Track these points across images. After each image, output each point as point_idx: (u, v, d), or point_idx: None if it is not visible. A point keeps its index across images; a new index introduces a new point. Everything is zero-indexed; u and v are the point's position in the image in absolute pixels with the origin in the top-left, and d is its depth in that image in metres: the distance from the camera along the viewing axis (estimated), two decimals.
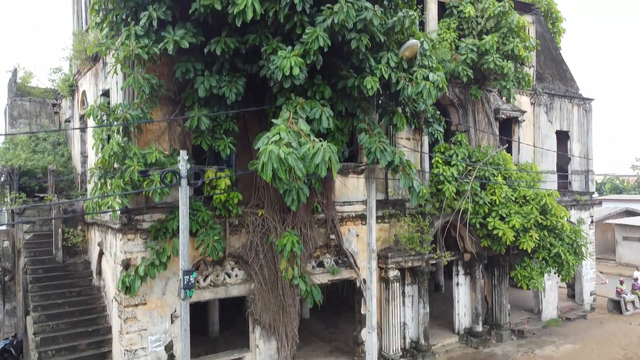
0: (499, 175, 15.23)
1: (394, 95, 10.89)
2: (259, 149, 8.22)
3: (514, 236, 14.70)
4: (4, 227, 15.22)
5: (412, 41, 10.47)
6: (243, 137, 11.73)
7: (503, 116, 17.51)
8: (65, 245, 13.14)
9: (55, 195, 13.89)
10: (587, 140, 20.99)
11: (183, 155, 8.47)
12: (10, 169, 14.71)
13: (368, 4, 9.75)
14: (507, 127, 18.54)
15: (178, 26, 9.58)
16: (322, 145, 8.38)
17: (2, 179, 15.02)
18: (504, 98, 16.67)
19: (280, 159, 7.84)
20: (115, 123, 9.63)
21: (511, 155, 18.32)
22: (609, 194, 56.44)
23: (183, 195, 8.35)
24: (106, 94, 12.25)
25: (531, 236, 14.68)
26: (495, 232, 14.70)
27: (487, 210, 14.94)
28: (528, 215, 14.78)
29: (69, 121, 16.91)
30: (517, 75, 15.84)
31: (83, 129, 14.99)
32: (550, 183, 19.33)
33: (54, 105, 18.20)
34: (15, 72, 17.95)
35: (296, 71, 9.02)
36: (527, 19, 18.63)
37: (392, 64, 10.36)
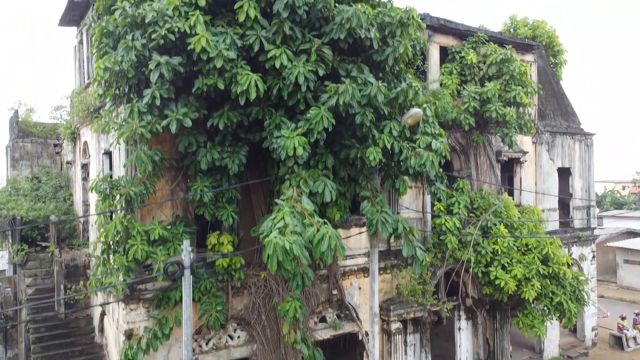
0: (501, 225, 15.22)
1: (397, 162, 10.89)
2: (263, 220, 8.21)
3: (516, 285, 14.70)
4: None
5: (415, 110, 10.46)
6: (245, 198, 11.71)
7: (505, 158, 17.51)
8: (67, 301, 13.14)
9: (57, 248, 13.87)
10: (588, 175, 20.99)
11: (186, 245, 8.45)
12: (12, 219, 14.70)
13: (372, 79, 9.76)
14: (509, 166, 18.56)
15: (181, 102, 9.58)
16: (327, 231, 8.37)
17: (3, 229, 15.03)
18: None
19: (285, 250, 7.84)
20: (119, 197, 9.65)
21: (513, 196, 18.36)
22: (609, 207, 56.46)
23: (186, 285, 8.34)
24: (107, 153, 12.26)
25: (533, 285, 14.66)
26: (497, 282, 14.69)
27: (489, 260, 14.94)
28: (530, 265, 14.77)
29: (70, 163, 16.91)
30: (519, 122, 15.85)
31: (85, 178, 15.00)
32: (552, 221, 19.37)
33: (55, 145, 18.20)
34: (16, 113, 17.94)
35: (300, 152, 9.03)
36: (529, 58, 18.65)
37: (395, 133, 10.36)
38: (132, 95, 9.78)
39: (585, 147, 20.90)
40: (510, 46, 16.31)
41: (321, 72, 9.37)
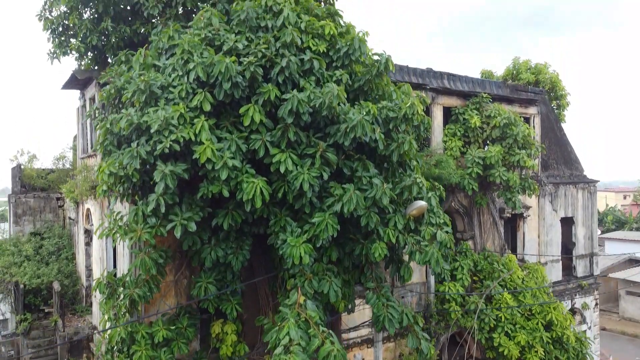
0: (505, 291, 15.19)
1: (402, 254, 10.87)
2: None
3: (519, 352, 14.67)
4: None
5: (420, 203, 10.44)
6: (250, 285, 11.67)
7: (508, 215, 17.48)
8: None
9: (60, 317, 13.84)
10: (591, 222, 20.96)
11: None
12: (15, 285, 14.69)
13: (377, 180, 9.73)
14: (512, 221, 18.52)
15: (185, 203, 9.53)
16: (332, 349, 8.34)
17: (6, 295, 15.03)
18: None
19: None
20: (122, 297, 9.63)
21: (517, 249, 18.36)
22: (611, 225, 56.36)
23: None
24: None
25: (536, 351, 14.64)
26: (500, 349, 14.66)
27: (492, 326, 14.90)
28: (534, 332, 14.74)
29: (72, 219, 16.89)
30: (523, 184, 15.82)
31: (88, 243, 14.98)
32: (555, 271, 19.38)
33: (58, 199, 18.18)
34: (19, 167, 17.93)
35: (306, 260, 9.00)
36: (532, 111, 18.63)
37: (400, 227, 10.33)
38: (136, 197, 9.75)
39: (588, 195, 20.86)
40: (514, 105, 16.31)
41: (326, 176, 9.35)
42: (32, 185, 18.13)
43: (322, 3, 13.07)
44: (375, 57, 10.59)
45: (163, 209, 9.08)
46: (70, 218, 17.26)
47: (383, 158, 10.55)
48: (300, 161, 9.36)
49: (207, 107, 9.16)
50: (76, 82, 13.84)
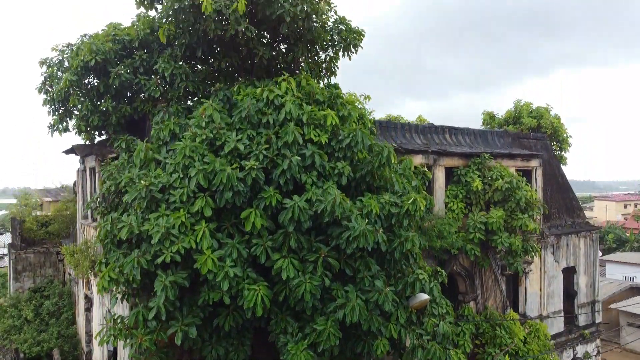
0: (507, 357, 15.12)
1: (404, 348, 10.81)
2: None
3: None
4: None
5: (423, 296, 10.40)
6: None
7: (510, 272, 17.39)
8: None
9: None
10: (593, 270, 20.89)
11: None
12: (16, 352, 14.63)
13: (379, 282, 9.67)
14: (514, 276, 18.43)
15: (185, 306, 9.46)
16: None
17: None
18: None
19: None
20: None
21: (518, 305, 18.29)
22: (612, 243, 56.18)
23: None
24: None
25: None
26: None
27: None
28: None
29: (73, 278, 16.83)
30: (525, 246, 15.76)
31: (88, 309, 14.92)
32: (557, 322, 19.30)
33: (57, 253, 18.13)
34: (21, 223, 17.89)
35: None
36: (534, 163, 18.55)
37: (402, 321, 10.27)
38: (136, 300, 9.69)
39: (590, 242, 20.79)
40: (516, 160, 16.25)
41: (327, 282, 9.29)
42: (33, 238, 18.08)
43: (324, 79, 13.03)
44: (378, 147, 10.54)
45: (164, 317, 9.03)
46: (70, 274, 17.20)
47: (385, 253, 10.47)
48: (302, 266, 9.30)
49: (208, 213, 9.11)
50: (75, 152, 13.79)
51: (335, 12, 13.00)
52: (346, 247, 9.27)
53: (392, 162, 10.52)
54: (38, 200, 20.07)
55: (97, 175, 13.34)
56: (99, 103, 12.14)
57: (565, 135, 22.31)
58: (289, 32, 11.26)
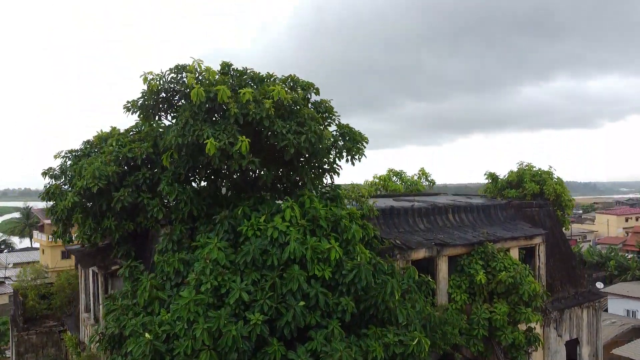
0: None
1: None
2: None
3: None
4: None
5: None
6: None
7: (514, 355, 17.34)
8: None
9: None
10: (596, 340, 20.82)
11: None
12: None
13: None
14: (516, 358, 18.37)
15: None
16: None
17: None
18: None
19: None
20: None
21: None
22: (613, 271, 55.94)
23: None
24: None
25: None
26: None
27: None
28: None
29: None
30: (528, 335, 15.72)
31: None
32: None
33: (59, 332, 18.12)
34: (23, 300, 17.89)
35: None
36: (537, 240, 18.51)
37: None
38: None
39: (593, 312, 20.73)
40: (519, 240, 16.20)
41: None
42: (34, 317, 18.07)
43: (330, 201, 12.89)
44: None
45: None
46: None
47: None
48: None
49: None
50: (80, 263, 13.77)
51: (339, 121, 13.06)
52: None
53: (396, 297, 10.50)
54: (43, 271, 20.03)
55: (99, 281, 13.34)
56: (101, 220, 12.12)
57: (568, 197, 22.27)
58: (293, 157, 11.24)
